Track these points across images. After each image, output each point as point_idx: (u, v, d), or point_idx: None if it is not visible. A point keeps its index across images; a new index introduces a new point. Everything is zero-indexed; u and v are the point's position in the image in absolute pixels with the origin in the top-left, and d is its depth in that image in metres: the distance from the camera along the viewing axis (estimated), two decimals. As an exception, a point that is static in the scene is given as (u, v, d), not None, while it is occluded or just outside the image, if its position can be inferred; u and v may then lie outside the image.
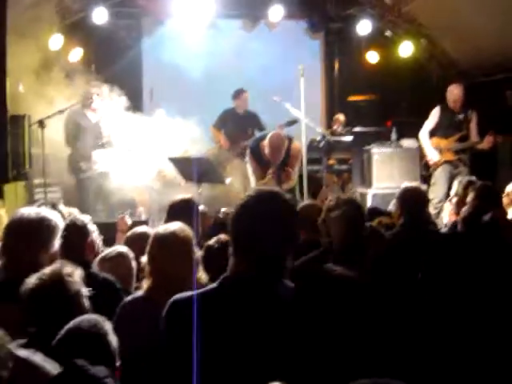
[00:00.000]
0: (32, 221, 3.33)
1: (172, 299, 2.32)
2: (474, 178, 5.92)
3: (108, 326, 2.54)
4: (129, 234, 5.14)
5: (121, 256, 4.31)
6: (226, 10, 10.34)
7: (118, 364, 2.50)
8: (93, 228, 4.20)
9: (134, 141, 7.60)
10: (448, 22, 10.28)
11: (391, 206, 6.72)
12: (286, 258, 2.26)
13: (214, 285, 2.29)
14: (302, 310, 2.19)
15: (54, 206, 4.63)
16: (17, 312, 2.77)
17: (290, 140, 7.38)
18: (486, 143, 8.12)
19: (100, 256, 4.25)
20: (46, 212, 3.45)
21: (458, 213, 5.45)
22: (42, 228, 3.33)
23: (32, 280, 2.76)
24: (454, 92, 8.42)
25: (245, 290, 2.20)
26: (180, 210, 4.77)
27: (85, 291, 2.85)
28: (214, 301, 2.22)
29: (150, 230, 5.20)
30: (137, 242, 4.82)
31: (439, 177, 8.34)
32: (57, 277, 2.76)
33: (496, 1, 8.90)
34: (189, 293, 2.31)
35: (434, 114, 8.51)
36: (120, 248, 4.45)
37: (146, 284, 3.31)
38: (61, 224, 3.48)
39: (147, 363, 2.76)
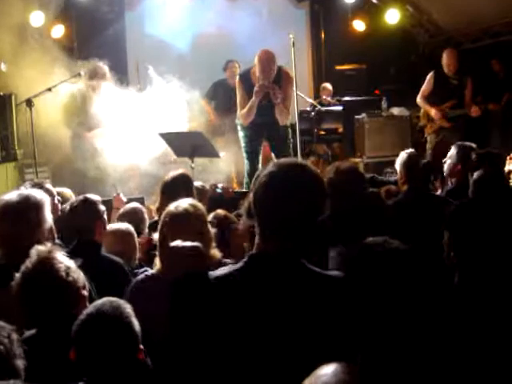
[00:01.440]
0: (16, 203, 3.28)
1: (180, 280, 2.21)
2: (472, 144, 5.86)
3: (129, 308, 2.46)
4: (121, 211, 5.11)
5: (121, 232, 4.28)
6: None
7: (141, 347, 2.43)
8: (103, 208, 4.12)
9: (125, 117, 7.46)
10: (434, -13, 10.23)
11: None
12: (313, 233, 2.17)
13: (241, 264, 2.16)
14: (350, 288, 2.10)
15: (40, 186, 4.51)
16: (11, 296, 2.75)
17: (283, 68, 7.23)
18: (473, 112, 8.11)
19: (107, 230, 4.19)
20: (27, 191, 3.40)
21: (450, 175, 5.45)
22: (27, 207, 3.27)
23: (20, 270, 2.71)
24: (448, 57, 8.34)
25: (275, 268, 2.09)
26: (176, 187, 4.71)
27: (73, 267, 2.75)
28: (243, 281, 2.11)
29: (141, 206, 5.19)
30: (126, 218, 4.81)
31: (434, 143, 8.30)
32: (41, 262, 2.69)
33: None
34: (214, 272, 2.22)
35: (429, 80, 8.43)
36: (119, 225, 4.43)
37: (158, 262, 3.25)
38: (46, 199, 3.40)
39: (162, 345, 2.69)
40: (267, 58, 6.97)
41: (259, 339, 2.04)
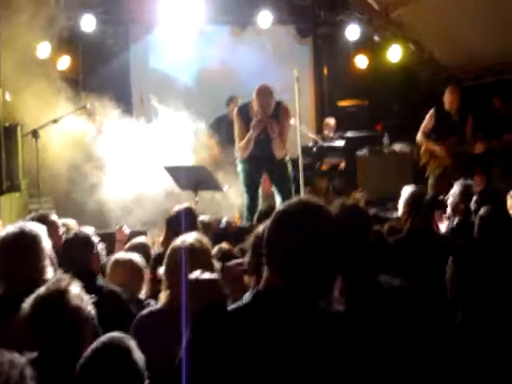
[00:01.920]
0: (13, 235, 3.39)
1: (202, 313, 2.22)
2: (471, 182, 5.90)
3: (133, 343, 2.46)
4: (127, 245, 5.15)
5: (124, 262, 4.31)
6: (214, 16, 10.32)
7: (146, 382, 2.43)
8: (96, 239, 4.16)
9: (129, 149, 7.52)
10: (436, 26, 10.35)
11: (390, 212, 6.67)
12: (324, 272, 2.19)
13: (248, 299, 2.18)
14: (356, 326, 2.11)
15: (45, 218, 4.60)
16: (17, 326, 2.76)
17: (281, 103, 7.30)
18: (477, 149, 8.17)
19: (111, 261, 4.26)
20: (22, 224, 3.50)
21: (453, 213, 5.47)
22: (25, 238, 3.37)
23: (31, 299, 2.70)
24: (450, 94, 8.42)
25: (282, 304, 2.10)
26: (181, 221, 4.73)
27: (86, 300, 2.77)
28: (249, 317, 2.12)
29: (148, 240, 5.23)
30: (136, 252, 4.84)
31: (437, 181, 8.33)
32: (56, 292, 2.69)
33: (483, 6, 8.96)
34: (219, 307, 2.25)
35: (430, 117, 8.49)
36: (122, 254, 4.46)
37: (163, 297, 3.26)
38: (41, 230, 3.50)
39: (167, 379, 2.69)
40: (265, 93, 7.06)
41: (267, 376, 2.04)
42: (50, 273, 3.37)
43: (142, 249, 4.98)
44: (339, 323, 2.12)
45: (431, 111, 8.55)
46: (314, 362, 2.04)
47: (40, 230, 3.48)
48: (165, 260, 3.35)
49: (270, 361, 2.04)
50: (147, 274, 4.54)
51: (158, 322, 3.15)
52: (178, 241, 3.38)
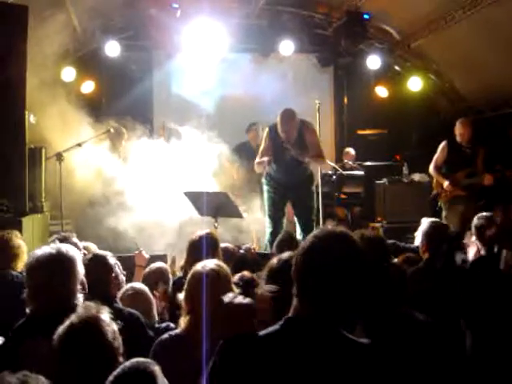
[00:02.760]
0: (49, 255, 3.33)
1: (229, 339, 2.25)
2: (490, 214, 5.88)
3: (157, 369, 2.48)
4: (146, 270, 5.17)
5: (136, 293, 4.32)
6: (237, 44, 10.45)
7: None
8: (114, 262, 4.18)
9: (151, 174, 7.60)
10: (456, 57, 10.40)
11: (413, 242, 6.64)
12: (353, 302, 2.21)
13: (277, 326, 2.21)
14: (383, 357, 2.14)
15: (67, 240, 4.61)
16: (46, 347, 2.74)
17: (304, 121, 7.41)
18: (486, 180, 8.16)
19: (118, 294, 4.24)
20: (60, 247, 3.43)
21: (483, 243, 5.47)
22: (61, 260, 3.33)
23: (63, 326, 2.70)
24: (460, 126, 8.46)
25: (310, 333, 2.14)
26: (202, 246, 4.76)
27: (116, 327, 2.77)
28: (278, 344, 2.15)
29: (166, 266, 5.25)
30: (152, 277, 4.88)
31: (449, 211, 8.34)
32: (89, 320, 2.70)
33: (504, 38, 8.99)
34: (247, 334, 2.28)
35: (442, 149, 8.54)
36: (135, 284, 4.46)
37: (183, 322, 3.28)
38: (77, 253, 3.46)
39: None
40: (287, 118, 7.21)
41: None
42: (80, 298, 3.34)
43: (161, 274, 5.02)
44: (368, 354, 2.15)
45: (443, 143, 8.59)
46: None
47: (76, 253, 3.46)
48: (185, 285, 3.37)
49: None
50: (157, 292, 4.59)
51: (178, 348, 3.17)
52: (199, 266, 3.41)
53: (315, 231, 2.28)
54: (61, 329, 2.69)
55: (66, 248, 3.43)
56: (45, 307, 3.23)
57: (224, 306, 3.05)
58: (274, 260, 3.73)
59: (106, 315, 2.76)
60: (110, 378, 2.42)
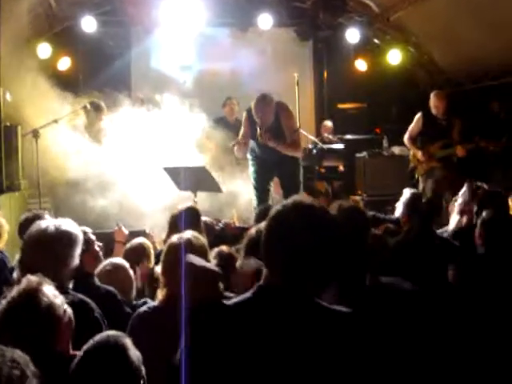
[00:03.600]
0: (51, 235, 3.23)
1: (200, 306, 2.24)
2: (483, 184, 5.89)
3: (129, 341, 2.45)
4: (127, 246, 5.14)
5: (116, 268, 4.28)
6: (214, 18, 10.34)
7: (142, 382, 2.43)
8: (92, 238, 4.13)
9: (130, 149, 7.54)
10: (436, 30, 10.37)
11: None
12: (321, 271, 2.19)
13: (248, 294, 2.20)
14: (362, 325, 2.13)
15: (39, 218, 4.47)
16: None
17: (281, 104, 7.24)
18: (459, 151, 8.20)
19: (96, 270, 4.18)
20: (65, 225, 3.32)
21: (461, 214, 5.48)
22: (62, 243, 3.23)
23: (3, 302, 2.64)
24: (435, 99, 8.48)
25: (282, 300, 2.12)
26: (183, 220, 4.74)
27: (59, 302, 2.69)
28: (248, 311, 2.14)
29: (146, 241, 5.22)
30: (133, 254, 4.85)
31: (426, 184, 8.38)
32: (26, 293, 2.63)
33: (483, 10, 8.97)
34: (217, 303, 2.26)
35: (417, 120, 8.60)
36: (114, 260, 4.42)
37: (160, 295, 3.26)
38: (81, 236, 3.36)
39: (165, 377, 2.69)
40: (261, 104, 7.08)
41: (265, 372, 2.05)
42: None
43: (142, 250, 4.99)
44: (343, 322, 2.14)
45: (418, 114, 8.64)
46: (315, 358, 2.05)
47: (79, 236, 3.36)
48: (162, 257, 3.35)
49: (269, 355, 2.06)
50: (140, 269, 4.56)
51: (155, 320, 3.15)
52: (175, 238, 3.38)
53: (284, 201, 2.27)
54: (2, 303, 2.63)
55: (70, 230, 3.32)
56: None
57: (188, 267, 3.02)
58: (253, 230, 3.72)
59: (48, 287, 2.68)
60: (80, 352, 2.41)
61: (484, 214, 4.27)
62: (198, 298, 2.33)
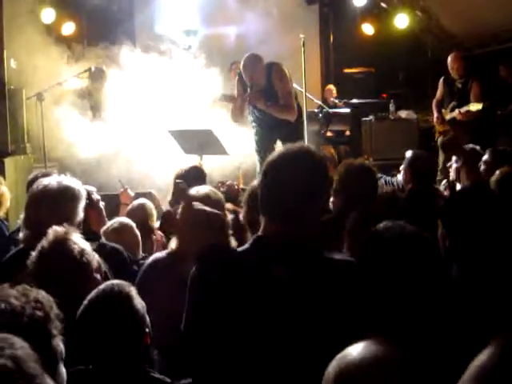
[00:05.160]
0: (54, 190, 3.21)
1: (202, 258, 2.24)
2: (476, 146, 5.85)
3: (134, 291, 2.46)
4: (128, 207, 5.14)
5: (123, 226, 4.28)
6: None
7: (147, 330, 2.44)
8: (97, 197, 4.13)
9: (137, 110, 7.51)
10: (443, -7, 10.25)
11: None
12: (316, 218, 2.21)
13: (247, 246, 2.21)
14: (361, 275, 2.12)
15: (48, 176, 4.47)
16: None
17: (273, 65, 6.90)
18: (457, 115, 8.13)
19: (103, 229, 4.19)
20: (67, 181, 3.31)
21: (457, 178, 5.46)
22: (65, 198, 3.21)
23: (34, 253, 2.67)
24: (451, 60, 8.43)
25: (279, 249, 2.12)
26: (189, 179, 4.71)
27: (88, 248, 2.75)
28: (251, 259, 2.15)
29: (148, 202, 5.20)
30: (136, 214, 4.84)
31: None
32: (56, 242, 2.67)
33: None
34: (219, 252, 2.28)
35: (440, 85, 8.59)
36: (121, 219, 4.42)
37: (174, 243, 3.24)
38: (83, 192, 3.35)
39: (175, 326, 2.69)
40: (248, 63, 6.74)
41: (264, 321, 2.06)
42: None
43: (143, 211, 4.98)
44: (335, 267, 2.15)
45: (440, 80, 8.57)
46: (315, 306, 2.06)
47: (82, 191, 3.33)
48: (179, 210, 3.30)
49: (272, 302, 2.06)
50: (156, 235, 4.56)
51: (168, 265, 3.14)
52: (193, 191, 3.35)
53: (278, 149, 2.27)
54: (33, 255, 2.66)
55: (73, 186, 3.29)
56: (34, 240, 2.99)
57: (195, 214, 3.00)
58: (254, 183, 3.71)
59: (74, 235, 2.72)
60: (85, 301, 2.42)
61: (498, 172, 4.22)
62: (207, 244, 2.31)
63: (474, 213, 2.55)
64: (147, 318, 2.45)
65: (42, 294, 1.81)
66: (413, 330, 1.96)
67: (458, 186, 5.53)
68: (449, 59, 8.46)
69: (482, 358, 1.25)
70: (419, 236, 2.11)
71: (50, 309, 1.77)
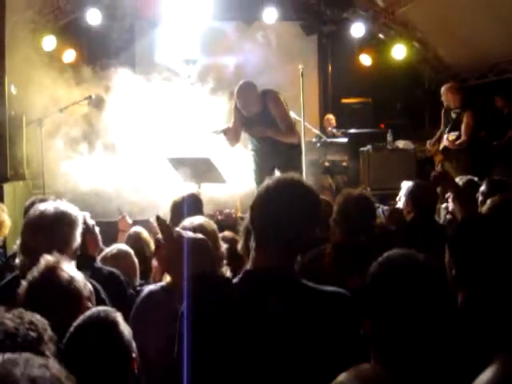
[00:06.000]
0: (51, 216, 3.19)
1: (193, 290, 2.17)
2: (474, 178, 5.89)
3: (119, 316, 2.44)
4: (126, 236, 5.15)
5: (122, 253, 4.30)
6: (220, 12, 10.35)
7: (133, 355, 2.43)
8: (92, 222, 4.13)
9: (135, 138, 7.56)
10: (440, 25, 10.36)
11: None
12: (306, 248, 2.24)
13: (237, 280, 2.19)
14: (349, 306, 2.13)
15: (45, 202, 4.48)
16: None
17: (267, 92, 6.90)
18: (447, 143, 8.16)
19: (101, 255, 4.20)
20: (64, 206, 3.29)
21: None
22: (62, 223, 3.19)
23: (24, 283, 2.65)
24: (443, 91, 8.49)
25: (271, 283, 2.11)
26: (186, 207, 4.72)
27: (79, 276, 2.71)
28: (237, 296, 2.13)
29: (143, 230, 5.21)
30: (134, 241, 4.86)
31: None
32: (47, 271, 2.65)
33: (488, 6, 8.98)
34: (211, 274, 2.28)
35: (442, 115, 8.63)
36: (120, 245, 4.44)
37: (169, 276, 3.24)
38: (80, 217, 3.35)
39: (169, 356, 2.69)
40: (242, 93, 6.77)
41: (257, 355, 2.04)
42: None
43: (139, 238, 5.00)
44: (332, 302, 2.13)
45: (443, 110, 8.63)
46: (301, 338, 2.05)
47: (79, 216, 3.31)
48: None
49: (266, 337, 2.05)
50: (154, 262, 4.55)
51: (163, 298, 3.13)
52: (186, 222, 3.36)
53: (268, 180, 2.25)
54: (23, 284, 2.65)
55: (70, 211, 3.28)
56: (29, 267, 2.93)
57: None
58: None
59: (65, 264, 2.70)
60: (71, 328, 2.40)
61: (490, 201, 4.24)
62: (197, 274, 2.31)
63: (484, 242, 2.56)
64: (133, 344, 2.44)
65: (36, 317, 1.86)
66: (417, 356, 1.96)
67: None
68: (442, 90, 8.51)
69: (486, 374, 1.27)
70: (430, 264, 2.11)
71: (43, 331, 1.82)
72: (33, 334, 1.77)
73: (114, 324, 2.39)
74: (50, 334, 1.84)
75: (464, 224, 2.83)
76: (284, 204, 2.15)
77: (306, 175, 7.61)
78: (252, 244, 2.21)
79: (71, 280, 2.66)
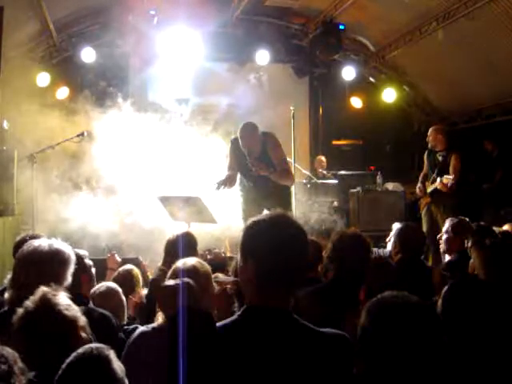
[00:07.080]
0: (45, 253, 3.21)
1: (191, 330, 2.17)
2: (465, 218, 5.93)
3: (112, 353, 2.44)
4: (115, 274, 5.14)
5: (111, 291, 4.29)
6: (213, 53, 10.49)
7: None
8: (90, 263, 4.14)
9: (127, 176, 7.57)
10: (430, 70, 10.54)
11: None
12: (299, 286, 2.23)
13: (235, 317, 2.19)
14: (345, 347, 2.15)
15: (36, 239, 4.47)
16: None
17: (267, 135, 6.98)
18: (440, 186, 8.18)
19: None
20: (58, 244, 3.30)
21: (449, 250, 5.52)
22: (55, 261, 3.20)
23: (19, 312, 2.65)
24: (430, 134, 8.52)
25: (269, 323, 2.12)
26: (180, 246, 4.72)
27: (74, 307, 2.72)
28: (236, 334, 2.14)
29: (134, 268, 5.20)
30: (122, 280, 4.84)
31: (423, 218, 8.41)
32: (44, 297, 2.65)
33: (476, 52, 9.14)
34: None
35: (424, 158, 8.60)
36: (108, 283, 4.43)
37: (161, 317, 3.24)
38: (73, 256, 3.35)
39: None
40: (245, 134, 6.84)
41: None
42: None
43: (129, 276, 4.99)
44: (324, 342, 2.15)
45: (425, 153, 8.64)
46: (296, 378, 2.06)
47: (72, 256, 3.32)
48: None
49: (258, 376, 2.06)
50: (132, 296, 4.55)
51: (155, 340, 3.12)
52: (179, 263, 3.36)
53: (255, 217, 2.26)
54: (19, 312, 2.65)
55: (63, 250, 3.29)
56: (19, 302, 2.91)
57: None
58: (239, 256, 3.71)
59: (61, 294, 2.71)
60: (64, 365, 2.38)
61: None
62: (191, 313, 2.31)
63: (474, 305, 2.56)
64: (126, 382, 2.43)
65: (6, 350, 1.85)
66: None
67: (447, 257, 5.61)
68: (429, 131, 8.54)
69: None
70: (423, 305, 2.13)
71: (14, 363, 1.82)
72: (3, 366, 1.78)
73: (107, 361, 2.37)
74: (20, 367, 1.84)
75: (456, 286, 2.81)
76: (278, 244, 2.15)
77: (295, 215, 7.67)
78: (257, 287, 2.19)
79: (67, 307, 2.67)
